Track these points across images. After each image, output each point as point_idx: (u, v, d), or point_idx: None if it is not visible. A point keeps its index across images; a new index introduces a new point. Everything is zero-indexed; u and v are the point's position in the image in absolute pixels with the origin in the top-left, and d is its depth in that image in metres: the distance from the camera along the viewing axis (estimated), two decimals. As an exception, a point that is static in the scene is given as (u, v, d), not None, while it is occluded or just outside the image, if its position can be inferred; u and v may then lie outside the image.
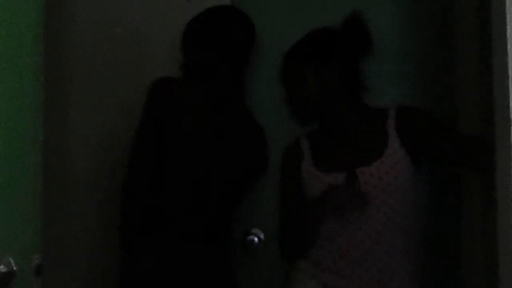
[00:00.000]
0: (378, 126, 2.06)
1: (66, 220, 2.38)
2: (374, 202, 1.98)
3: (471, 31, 2.17)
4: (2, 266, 1.44)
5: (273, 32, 2.33)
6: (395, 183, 1.98)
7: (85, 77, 2.46)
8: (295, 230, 2.10)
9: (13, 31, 1.51)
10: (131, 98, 2.27)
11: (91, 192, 2.40)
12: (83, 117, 2.44)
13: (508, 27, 1.43)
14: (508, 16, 1.43)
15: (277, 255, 2.20)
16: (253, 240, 2.28)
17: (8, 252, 1.46)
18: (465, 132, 2.12)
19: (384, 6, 2.29)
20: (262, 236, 2.29)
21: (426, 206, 2.07)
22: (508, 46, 1.42)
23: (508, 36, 1.42)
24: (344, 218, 2.00)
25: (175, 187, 2.07)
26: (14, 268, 1.47)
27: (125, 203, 2.07)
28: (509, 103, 1.42)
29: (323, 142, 2.13)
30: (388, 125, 2.05)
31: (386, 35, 2.25)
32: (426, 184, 2.06)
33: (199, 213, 2.07)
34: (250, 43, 2.19)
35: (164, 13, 2.43)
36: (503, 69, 1.44)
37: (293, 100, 2.12)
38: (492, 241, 1.52)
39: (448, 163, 2.13)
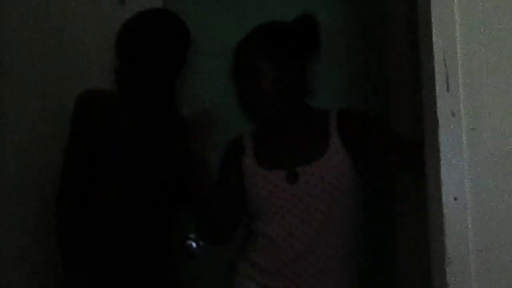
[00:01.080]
0: (320, 127, 2.07)
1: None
2: (313, 201, 1.99)
3: (402, 35, 2.21)
4: None
5: (207, 34, 2.33)
6: (335, 183, 2.00)
7: (16, 82, 2.42)
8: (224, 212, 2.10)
9: None
10: (63, 103, 2.24)
11: (24, 196, 2.37)
12: (14, 120, 2.40)
13: (434, 31, 1.46)
14: (433, 20, 1.47)
15: (215, 260, 2.20)
16: (191, 245, 2.27)
17: None
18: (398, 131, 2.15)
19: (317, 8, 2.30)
20: (200, 241, 2.28)
21: (363, 206, 2.10)
22: (434, 48, 1.46)
23: (433, 40, 1.46)
24: (282, 216, 2.01)
25: (106, 199, 2.06)
26: None
27: (59, 220, 2.07)
28: (435, 103, 1.45)
29: (266, 139, 2.12)
30: (330, 125, 2.06)
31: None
32: (364, 184, 2.08)
33: (133, 223, 2.06)
34: (184, 45, 2.19)
35: (95, 16, 2.40)
36: (430, 70, 1.47)
37: (246, 92, 2.10)
38: (425, 241, 1.55)
39: (385, 164, 2.16)
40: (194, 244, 2.27)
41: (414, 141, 1.88)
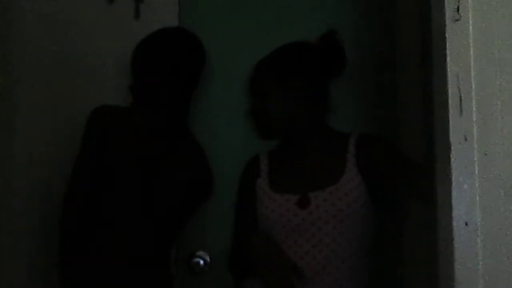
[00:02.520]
0: (337, 151, 2.06)
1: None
2: (325, 227, 1.97)
3: (414, 57, 2.21)
4: None
5: (223, 52, 2.33)
6: (347, 210, 1.98)
7: (30, 96, 2.42)
8: (243, 249, 2.08)
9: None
10: (76, 116, 2.24)
11: (34, 197, 2.36)
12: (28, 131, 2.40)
13: (448, 54, 1.46)
14: (447, 44, 1.46)
15: (222, 278, 2.19)
16: (198, 263, 2.26)
17: None
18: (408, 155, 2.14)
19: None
20: (207, 258, 2.27)
21: (373, 233, 2.08)
22: (448, 72, 1.45)
23: (447, 63, 1.46)
24: (293, 240, 1.99)
25: (113, 215, 2.07)
26: None
27: (63, 234, 2.06)
28: (448, 126, 1.45)
29: (282, 161, 2.12)
30: (348, 151, 2.05)
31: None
32: (376, 211, 2.07)
33: (139, 239, 2.06)
34: (198, 64, 2.19)
35: (110, 30, 2.41)
36: (444, 93, 1.46)
37: (256, 112, 2.10)
38: (433, 266, 1.54)
39: (399, 193, 2.14)
40: (201, 262, 2.26)
41: (426, 169, 1.85)
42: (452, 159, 1.43)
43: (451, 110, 1.44)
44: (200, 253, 2.27)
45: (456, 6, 1.43)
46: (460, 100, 1.44)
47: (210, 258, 2.27)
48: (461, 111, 1.43)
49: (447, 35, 1.45)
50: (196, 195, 2.14)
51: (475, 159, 1.43)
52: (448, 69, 1.44)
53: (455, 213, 1.42)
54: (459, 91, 1.43)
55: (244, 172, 2.18)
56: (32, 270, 2.33)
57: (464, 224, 1.41)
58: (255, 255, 1.97)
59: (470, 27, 1.44)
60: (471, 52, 1.44)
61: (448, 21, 1.44)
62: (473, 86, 1.43)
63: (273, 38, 2.22)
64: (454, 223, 1.42)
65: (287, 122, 2.07)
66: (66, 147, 2.24)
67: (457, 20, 1.44)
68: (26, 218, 2.34)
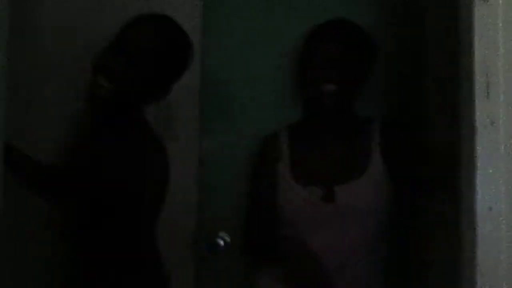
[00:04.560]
0: (361, 137, 2.04)
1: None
2: (349, 220, 1.95)
3: (441, 39, 2.17)
4: None
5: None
6: (373, 203, 1.96)
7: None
8: (263, 231, 2.06)
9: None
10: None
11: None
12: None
13: (476, 37, 1.43)
14: (475, 26, 1.44)
15: (243, 258, 2.19)
16: (219, 243, 2.26)
17: None
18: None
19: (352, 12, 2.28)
20: (228, 239, 2.27)
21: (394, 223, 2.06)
22: (475, 55, 1.43)
23: (475, 46, 1.43)
24: (315, 231, 1.97)
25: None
26: None
27: None
28: (474, 110, 1.42)
29: (304, 143, 2.07)
30: (373, 139, 2.02)
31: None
32: (398, 200, 2.04)
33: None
34: (168, 54, 1.95)
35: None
36: (471, 76, 1.44)
37: (311, 82, 2.04)
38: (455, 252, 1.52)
39: (421, 182, 2.11)
40: (222, 242, 2.26)
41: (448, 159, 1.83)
42: (477, 143, 1.41)
43: (477, 93, 1.42)
44: (221, 233, 2.27)
45: (485, -13, 1.41)
46: (487, 83, 1.42)
47: (230, 239, 2.27)
48: (487, 94, 1.41)
49: (475, 16, 1.43)
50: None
51: (501, 143, 1.41)
52: (476, 52, 1.42)
53: (479, 197, 1.40)
54: (487, 74, 1.41)
55: (262, 153, 2.12)
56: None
57: (488, 209, 1.40)
58: (292, 263, 1.95)
59: (499, 9, 1.42)
60: (500, 34, 1.41)
61: (477, 2, 1.41)
62: (501, 69, 1.41)
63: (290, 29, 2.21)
64: (478, 208, 1.40)
65: (341, 97, 2.01)
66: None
67: (486, 0, 1.41)
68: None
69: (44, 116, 2.28)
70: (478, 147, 1.42)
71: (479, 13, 1.44)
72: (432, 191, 2.07)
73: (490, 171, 1.41)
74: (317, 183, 1.98)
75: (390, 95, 2.29)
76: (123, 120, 1.94)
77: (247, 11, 2.33)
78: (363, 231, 1.95)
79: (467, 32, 1.47)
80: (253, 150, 2.16)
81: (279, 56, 2.28)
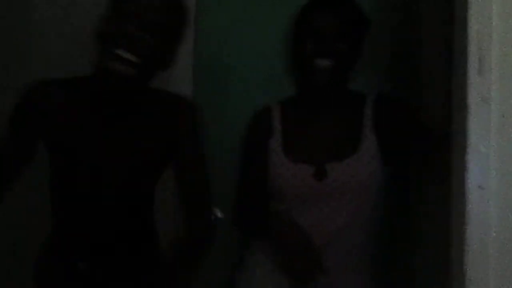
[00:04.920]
0: (354, 113, 2.01)
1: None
2: (341, 198, 1.94)
3: (436, 16, 2.16)
4: None
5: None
6: (365, 181, 1.94)
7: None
8: (254, 205, 2.05)
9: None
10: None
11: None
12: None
13: (469, 12, 1.41)
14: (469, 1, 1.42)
15: (235, 233, 2.19)
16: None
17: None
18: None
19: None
20: (219, 214, 2.26)
21: (385, 200, 2.05)
22: (468, 31, 1.41)
23: (468, 22, 1.41)
24: (307, 209, 1.96)
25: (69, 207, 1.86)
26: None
27: None
28: (466, 87, 1.41)
29: (296, 118, 2.05)
30: (365, 115, 2.00)
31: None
32: (389, 177, 2.03)
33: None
34: (179, 22, 1.84)
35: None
36: (463, 52, 1.43)
37: (304, 56, 1.99)
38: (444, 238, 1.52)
39: (414, 158, 2.10)
40: (212, 217, 2.25)
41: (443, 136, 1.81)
42: (469, 120, 1.40)
43: (470, 70, 1.40)
44: (213, 208, 2.26)
45: (479, -39, 1.38)
46: (480, 59, 1.40)
47: (221, 214, 2.26)
48: (480, 71, 1.39)
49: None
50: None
51: (493, 121, 1.39)
52: (469, 27, 1.40)
53: (470, 175, 1.39)
54: (479, 50, 1.39)
55: (254, 127, 2.10)
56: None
57: (478, 187, 1.39)
58: (280, 238, 1.91)
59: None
60: (493, 9, 1.39)
61: (471, -23, 1.39)
62: (494, 46, 1.39)
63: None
64: (468, 186, 1.39)
65: (334, 72, 1.97)
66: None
67: (481, -24, 1.39)
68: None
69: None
70: (469, 125, 1.40)
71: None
72: (423, 167, 2.06)
73: (481, 149, 1.40)
74: (308, 160, 1.97)
75: (384, 70, 2.27)
76: (143, 93, 1.84)
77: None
78: (354, 208, 1.95)
79: (461, 6, 1.45)
80: (245, 125, 2.14)
81: (273, 32, 2.26)
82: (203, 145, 1.91)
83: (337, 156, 1.95)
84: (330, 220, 1.93)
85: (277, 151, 2.00)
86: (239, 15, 2.31)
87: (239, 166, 2.13)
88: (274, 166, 1.99)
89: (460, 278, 1.38)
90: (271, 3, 2.29)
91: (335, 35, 1.97)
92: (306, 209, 1.95)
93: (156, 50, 1.74)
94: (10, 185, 1.88)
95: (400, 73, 2.27)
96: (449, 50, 1.65)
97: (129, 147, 1.82)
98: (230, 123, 2.27)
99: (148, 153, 1.84)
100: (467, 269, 1.37)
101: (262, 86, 2.27)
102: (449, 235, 1.47)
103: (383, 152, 1.96)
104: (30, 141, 1.86)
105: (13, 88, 1.88)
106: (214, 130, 2.28)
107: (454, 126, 1.49)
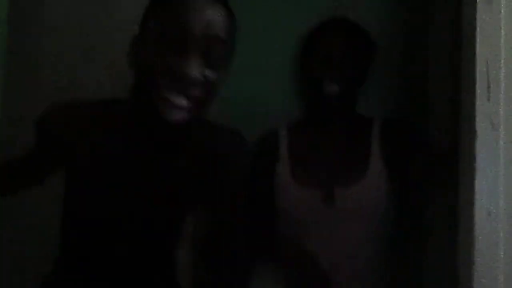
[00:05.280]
0: (362, 137, 2.00)
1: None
2: (348, 223, 1.92)
3: (444, 40, 2.16)
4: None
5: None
6: (372, 207, 1.92)
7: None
8: (261, 230, 2.04)
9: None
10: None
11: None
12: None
13: (478, 39, 1.42)
14: (477, 28, 1.42)
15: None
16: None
17: None
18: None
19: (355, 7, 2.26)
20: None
21: (393, 222, 2.03)
22: (477, 56, 1.42)
23: (477, 47, 1.42)
24: (313, 234, 1.92)
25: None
26: None
27: None
28: (475, 112, 1.41)
29: (304, 142, 2.03)
30: (373, 140, 1.98)
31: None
32: (397, 201, 2.02)
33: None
34: None
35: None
36: (472, 78, 1.43)
37: (313, 82, 1.99)
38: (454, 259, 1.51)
39: (423, 185, 2.08)
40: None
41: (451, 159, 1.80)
42: (477, 146, 1.40)
43: (478, 96, 1.41)
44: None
45: (488, -12, 1.39)
46: (488, 85, 1.41)
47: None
48: (489, 96, 1.40)
49: (477, 17, 1.42)
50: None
51: (501, 146, 1.39)
52: (477, 53, 1.41)
53: (478, 201, 1.39)
54: (488, 76, 1.40)
55: (260, 152, 2.04)
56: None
57: (487, 214, 1.39)
58: (288, 263, 1.91)
59: (502, 10, 1.40)
60: (502, 36, 1.40)
61: (480, 3, 1.40)
62: (503, 72, 1.39)
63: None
64: (476, 211, 1.39)
65: (343, 97, 1.97)
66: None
67: (489, 3, 1.40)
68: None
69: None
70: (477, 150, 1.40)
71: (482, 13, 1.43)
72: (431, 192, 2.05)
73: (490, 174, 1.40)
74: (317, 185, 1.95)
75: (392, 94, 2.27)
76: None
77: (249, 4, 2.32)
78: (362, 232, 1.93)
79: (470, 34, 1.46)
80: (252, 147, 2.13)
81: (283, 53, 2.26)
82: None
83: (346, 181, 1.94)
84: (338, 245, 1.92)
85: (285, 176, 1.99)
86: (247, 34, 2.31)
87: (245, 190, 2.12)
88: (282, 191, 1.98)
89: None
90: (281, 23, 2.29)
91: (344, 60, 1.97)
92: (313, 234, 1.93)
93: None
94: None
95: (407, 97, 2.26)
96: (456, 75, 1.66)
97: (167, 184, 1.59)
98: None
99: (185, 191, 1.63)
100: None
101: (272, 108, 2.26)
102: (457, 260, 1.46)
103: (390, 175, 1.95)
104: (49, 163, 1.71)
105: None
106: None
107: (462, 150, 1.49)
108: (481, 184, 1.40)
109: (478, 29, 1.42)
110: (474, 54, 1.42)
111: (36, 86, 2.26)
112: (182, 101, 1.41)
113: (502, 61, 1.40)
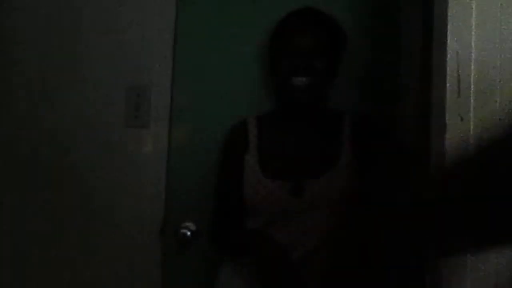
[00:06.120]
0: (332, 131, 2.00)
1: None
2: (317, 214, 1.92)
3: (415, 36, 2.18)
4: None
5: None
6: (341, 198, 1.92)
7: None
8: (230, 221, 2.04)
9: None
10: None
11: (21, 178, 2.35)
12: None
13: (449, 35, 1.43)
14: (449, 24, 1.44)
15: (209, 248, 2.18)
16: (185, 234, 2.24)
17: None
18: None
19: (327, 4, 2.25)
20: (194, 228, 2.26)
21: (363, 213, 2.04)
22: (448, 52, 1.43)
23: (448, 43, 1.43)
24: (283, 224, 1.93)
25: None
26: None
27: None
28: (445, 107, 1.42)
29: (273, 133, 2.04)
30: (343, 133, 1.99)
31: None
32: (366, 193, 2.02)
33: None
34: None
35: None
36: (442, 74, 1.44)
37: (282, 74, 1.98)
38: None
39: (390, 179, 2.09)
40: (188, 233, 2.25)
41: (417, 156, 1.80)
42: (447, 140, 1.41)
43: (448, 91, 1.42)
44: (188, 223, 2.26)
45: (459, -17, 1.41)
46: (458, 80, 1.42)
47: (196, 228, 2.26)
48: (459, 91, 1.41)
49: (448, 15, 1.43)
50: None
51: (470, 140, 1.41)
52: (448, 47, 1.42)
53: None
54: (458, 70, 1.41)
55: (230, 141, 2.08)
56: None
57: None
58: (257, 255, 1.88)
59: (473, 4, 1.42)
60: (473, 31, 1.41)
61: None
62: (473, 66, 1.41)
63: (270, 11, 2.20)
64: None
65: (312, 90, 1.96)
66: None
67: (460, -2, 1.41)
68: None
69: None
70: (447, 144, 1.42)
71: (453, 10, 1.44)
72: (397, 185, 2.07)
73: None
74: (285, 177, 1.96)
75: (364, 89, 2.28)
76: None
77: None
78: (332, 223, 1.94)
79: (440, 29, 1.47)
80: (222, 139, 2.14)
81: (252, 44, 2.26)
82: None
83: (314, 173, 1.94)
84: (308, 235, 1.92)
85: (254, 168, 1.99)
86: (219, 26, 2.31)
87: (214, 181, 2.13)
88: (251, 183, 1.97)
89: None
90: (251, 15, 2.29)
91: (312, 52, 1.97)
92: (283, 225, 1.93)
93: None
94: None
95: (378, 91, 2.28)
96: (426, 69, 1.67)
97: None
98: (206, 137, 2.26)
99: None
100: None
101: (241, 100, 2.26)
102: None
103: (360, 167, 1.96)
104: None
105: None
106: (190, 143, 2.28)
107: (432, 145, 1.50)
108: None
109: (449, 24, 1.44)
110: (445, 49, 1.43)
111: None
112: None
113: (473, 54, 1.41)
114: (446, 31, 1.43)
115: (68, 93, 2.35)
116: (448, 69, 1.41)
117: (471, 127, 1.40)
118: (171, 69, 2.29)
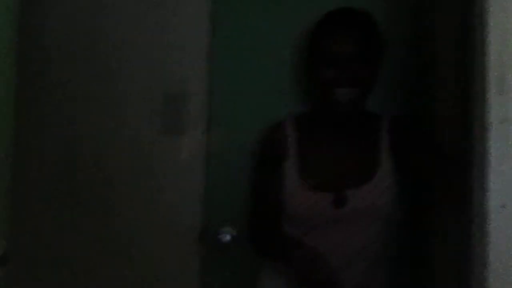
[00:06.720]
0: (371, 136, 1.97)
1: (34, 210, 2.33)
2: (359, 224, 1.91)
3: (451, 35, 2.16)
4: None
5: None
6: (383, 207, 1.91)
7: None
8: (268, 227, 2.03)
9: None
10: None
11: (59, 184, 2.36)
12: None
13: (491, 35, 1.41)
14: (489, 20, 1.42)
15: (249, 252, 2.18)
16: (225, 239, 2.24)
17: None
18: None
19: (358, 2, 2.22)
20: (234, 233, 2.25)
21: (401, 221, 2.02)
22: (490, 50, 1.41)
23: (488, 39, 1.41)
24: (323, 234, 1.91)
25: None
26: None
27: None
28: (487, 106, 1.41)
29: (312, 139, 1.98)
30: (382, 137, 1.96)
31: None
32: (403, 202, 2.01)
33: None
34: None
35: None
36: (484, 71, 1.42)
37: (323, 82, 1.90)
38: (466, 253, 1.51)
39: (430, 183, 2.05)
40: (228, 237, 2.25)
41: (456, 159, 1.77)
42: (490, 140, 1.40)
43: (491, 89, 1.40)
44: (227, 228, 2.25)
45: (500, -19, 1.39)
46: (500, 79, 1.40)
47: (237, 232, 2.25)
48: (502, 90, 1.39)
49: (489, 11, 1.41)
50: None
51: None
52: (489, 47, 1.40)
53: (491, 195, 1.39)
54: (500, 70, 1.39)
55: (268, 146, 2.03)
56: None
57: (501, 207, 1.38)
58: (297, 261, 1.85)
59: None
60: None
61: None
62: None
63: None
64: (490, 205, 1.38)
65: (353, 98, 1.89)
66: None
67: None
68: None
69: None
70: (490, 144, 1.40)
71: (493, 8, 1.42)
72: (442, 189, 2.04)
73: (503, 168, 1.40)
74: (327, 187, 1.92)
75: (400, 90, 2.27)
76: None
77: (257, 3, 2.32)
78: (371, 232, 1.93)
79: (481, 27, 1.45)
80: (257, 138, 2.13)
81: (290, 48, 2.26)
82: None
83: (356, 182, 1.91)
84: (348, 244, 1.90)
85: (295, 178, 1.95)
86: (255, 31, 2.31)
87: (252, 187, 2.12)
88: (291, 191, 1.94)
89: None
90: (288, 19, 2.28)
91: (355, 61, 1.88)
92: (323, 233, 1.91)
93: None
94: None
95: (415, 93, 2.26)
96: (464, 70, 1.65)
97: None
98: (244, 142, 2.25)
99: None
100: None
101: (277, 105, 2.26)
102: (470, 255, 1.46)
103: (399, 174, 1.94)
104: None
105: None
106: (228, 148, 2.28)
107: (474, 146, 1.48)
108: (494, 177, 1.40)
109: (489, 23, 1.42)
110: (486, 48, 1.41)
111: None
112: None
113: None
114: (487, 29, 1.41)
115: (106, 101, 2.36)
116: (490, 68, 1.39)
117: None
118: (207, 75, 2.30)
